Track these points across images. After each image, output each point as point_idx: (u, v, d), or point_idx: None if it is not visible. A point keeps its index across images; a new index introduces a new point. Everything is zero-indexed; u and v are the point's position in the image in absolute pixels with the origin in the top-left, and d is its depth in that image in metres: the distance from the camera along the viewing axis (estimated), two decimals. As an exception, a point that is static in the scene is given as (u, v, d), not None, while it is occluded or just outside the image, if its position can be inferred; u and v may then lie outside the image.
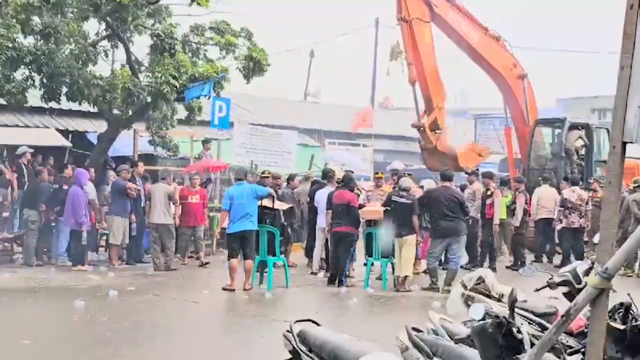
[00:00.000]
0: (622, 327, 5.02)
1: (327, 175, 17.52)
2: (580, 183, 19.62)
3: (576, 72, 70.50)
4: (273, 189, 15.91)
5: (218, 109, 21.03)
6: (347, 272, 15.47)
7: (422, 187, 17.38)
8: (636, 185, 18.09)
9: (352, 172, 18.36)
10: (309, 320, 5.99)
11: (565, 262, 16.40)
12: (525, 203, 18.49)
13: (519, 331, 4.83)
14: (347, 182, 15.68)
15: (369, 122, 27.92)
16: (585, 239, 18.59)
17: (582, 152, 22.46)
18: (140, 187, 17.62)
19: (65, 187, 17.21)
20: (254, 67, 19.88)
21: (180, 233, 18.09)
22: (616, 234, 4.13)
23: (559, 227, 18.96)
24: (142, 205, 17.74)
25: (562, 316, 4.01)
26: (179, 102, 20.88)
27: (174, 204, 17.52)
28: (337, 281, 15.07)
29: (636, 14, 3.80)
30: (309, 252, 17.85)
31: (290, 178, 19.39)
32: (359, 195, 16.88)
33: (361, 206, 15.95)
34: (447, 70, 22.20)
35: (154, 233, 17.23)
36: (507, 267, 17.48)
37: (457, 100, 32.32)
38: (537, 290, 6.40)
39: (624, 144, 3.87)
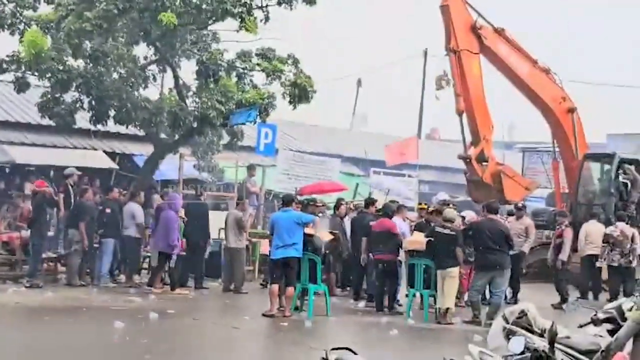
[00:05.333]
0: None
1: (368, 203, 17.69)
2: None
3: (628, 107, 69.37)
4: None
5: (264, 136, 21.10)
6: (398, 298, 15.60)
7: (463, 217, 17.26)
8: None
9: (396, 202, 18.21)
10: (345, 348, 5.91)
11: (613, 300, 16.04)
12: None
13: (559, 366, 4.70)
14: (387, 211, 15.93)
15: (408, 156, 27.53)
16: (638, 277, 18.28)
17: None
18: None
19: (107, 210, 17.39)
20: (299, 93, 19.90)
21: None
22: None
23: (599, 264, 18.62)
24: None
25: (602, 351, 3.89)
26: (224, 127, 20.96)
27: (242, 229, 17.59)
28: (388, 307, 15.32)
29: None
30: (347, 282, 17.84)
31: (337, 206, 18.82)
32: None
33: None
34: (495, 102, 22.01)
35: (227, 256, 17.82)
36: (553, 306, 17.00)
37: (505, 132, 31.95)
38: (581, 326, 6.25)
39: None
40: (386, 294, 15.55)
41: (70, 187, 18.57)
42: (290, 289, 14.31)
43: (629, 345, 4.11)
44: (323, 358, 5.75)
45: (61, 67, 18.14)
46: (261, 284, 17.91)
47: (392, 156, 27.94)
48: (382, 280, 15.61)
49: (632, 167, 22.26)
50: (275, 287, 14.29)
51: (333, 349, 5.84)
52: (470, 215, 17.67)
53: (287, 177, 22.08)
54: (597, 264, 18.68)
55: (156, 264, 17.29)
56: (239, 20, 17.94)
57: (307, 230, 14.78)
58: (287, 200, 15.13)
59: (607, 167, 22.82)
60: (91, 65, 18.65)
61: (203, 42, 20.30)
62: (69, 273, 17.17)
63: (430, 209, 17.34)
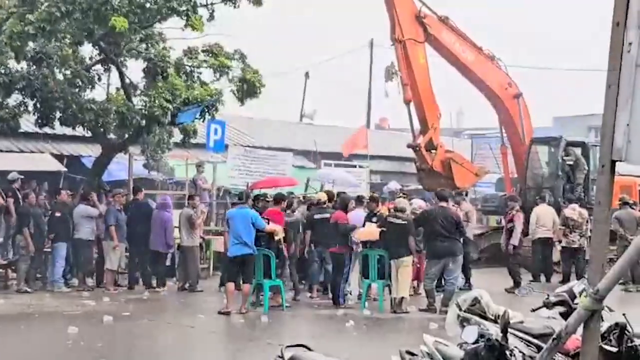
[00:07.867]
0: (615, 349, 4.93)
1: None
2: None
3: (572, 90, 70.32)
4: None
5: (213, 132, 20.98)
6: (346, 292, 15.55)
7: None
8: (621, 203, 18.19)
9: (343, 193, 18.29)
10: (300, 345, 5.91)
11: (565, 282, 16.26)
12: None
13: (512, 354, 4.75)
14: (342, 203, 16.15)
15: (362, 145, 27.70)
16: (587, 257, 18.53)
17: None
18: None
19: (57, 213, 17.16)
20: (247, 89, 19.87)
21: None
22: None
23: (559, 246, 18.92)
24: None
25: (554, 339, 3.94)
26: (173, 125, 20.84)
27: (191, 227, 17.52)
28: (332, 300, 15.38)
29: (622, 31, 3.74)
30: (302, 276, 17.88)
31: (289, 204, 18.12)
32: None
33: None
34: (443, 90, 22.17)
35: (180, 255, 17.88)
36: (507, 290, 17.15)
37: (453, 120, 32.20)
38: (534, 310, 6.30)
39: (613, 162, 3.79)
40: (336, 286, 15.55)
41: (17, 192, 18.28)
42: (246, 286, 14.30)
43: (580, 329, 4.16)
44: (278, 356, 5.74)
45: (3, 70, 17.85)
46: (219, 290, 17.72)
47: (347, 147, 28.15)
48: (333, 273, 15.67)
49: (579, 149, 22.65)
50: (232, 284, 14.27)
51: (288, 346, 5.84)
52: (418, 203, 17.73)
53: (239, 173, 21.97)
54: (557, 247, 18.96)
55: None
56: (185, 18, 17.87)
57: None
58: (242, 197, 15.09)
59: (554, 150, 23.15)
60: (34, 67, 18.40)
61: (150, 41, 20.08)
62: (18, 279, 16.90)
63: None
